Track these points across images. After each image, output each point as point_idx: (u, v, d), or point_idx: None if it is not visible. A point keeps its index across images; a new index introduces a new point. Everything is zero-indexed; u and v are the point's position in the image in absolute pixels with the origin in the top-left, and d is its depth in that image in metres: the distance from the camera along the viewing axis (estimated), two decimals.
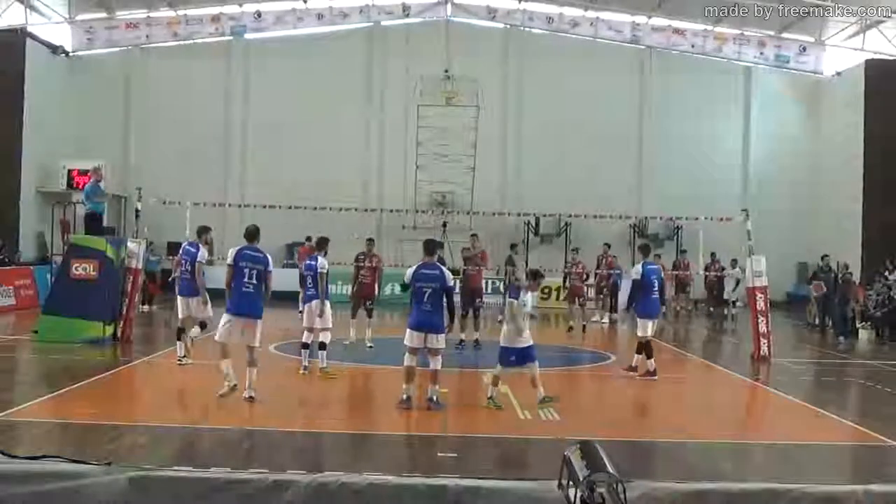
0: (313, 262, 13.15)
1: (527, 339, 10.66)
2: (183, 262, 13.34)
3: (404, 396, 10.40)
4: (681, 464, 8.71)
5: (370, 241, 17.25)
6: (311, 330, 12.95)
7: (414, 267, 10.68)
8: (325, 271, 12.90)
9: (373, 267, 16.47)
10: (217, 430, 9.46)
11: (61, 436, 8.96)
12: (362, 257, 16.58)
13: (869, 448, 9.51)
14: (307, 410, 10.96)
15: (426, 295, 10.36)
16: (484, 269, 18.00)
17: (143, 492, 4.26)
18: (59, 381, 11.73)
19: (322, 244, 13.51)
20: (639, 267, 13.89)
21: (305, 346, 13.01)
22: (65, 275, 16.49)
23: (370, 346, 15.79)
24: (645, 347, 13.48)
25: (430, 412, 10.27)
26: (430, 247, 11.02)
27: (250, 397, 10.33)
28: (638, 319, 13.80)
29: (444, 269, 10.75)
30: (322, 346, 12.71)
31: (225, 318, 10.57)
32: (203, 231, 13.57)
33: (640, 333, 13.56)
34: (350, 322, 16.43)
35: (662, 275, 14.09)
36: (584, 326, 20.60)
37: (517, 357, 10.62)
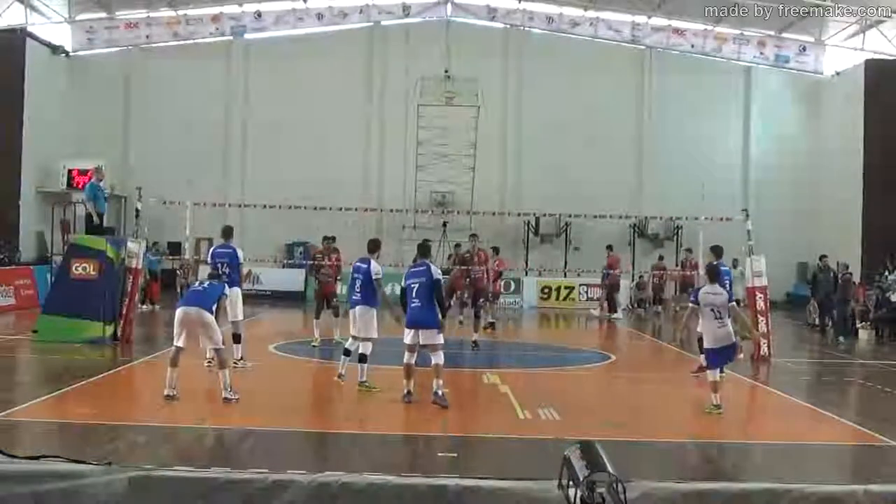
0: (365, 266, 11.79)
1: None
2: (219, 265, 12.88)
3: (405, 391, 10.65)
4: (681, 464, 8.71)
5: (330, 238, 16.50)
6: (356, 337, 11.85)
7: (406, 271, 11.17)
8: (379, 277, 11.79)
9: (332, 265, 16.08)
10: (217, 429, 9.47)
11: (61, 436, 8.96)
12: (320, 256, 16.21)
13: (869, 448, 9.49)
14: (307, 410, 10.96)
15: (414, 291, 10.68)
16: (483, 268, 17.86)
17: (143, 492, 4.26)
18: (59, 381, 11.72)
19: (374, 247, 12.31)
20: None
21: (347, 352, 12.06)
22: (65, 275, 16.48)
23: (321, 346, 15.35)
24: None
25: (429, 412, 10.27)
26: (422, 250, 11.58)
27: (225, 398, 10.36)
28: None
29: (430, 265, 10.98)
30: (363, 358, 11.72)
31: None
32: (230, 231, 13.87)
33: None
34: (314, 323, 16.11)
35: (731, 275, 13.88)
36: (493, 324, 19.09)
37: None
